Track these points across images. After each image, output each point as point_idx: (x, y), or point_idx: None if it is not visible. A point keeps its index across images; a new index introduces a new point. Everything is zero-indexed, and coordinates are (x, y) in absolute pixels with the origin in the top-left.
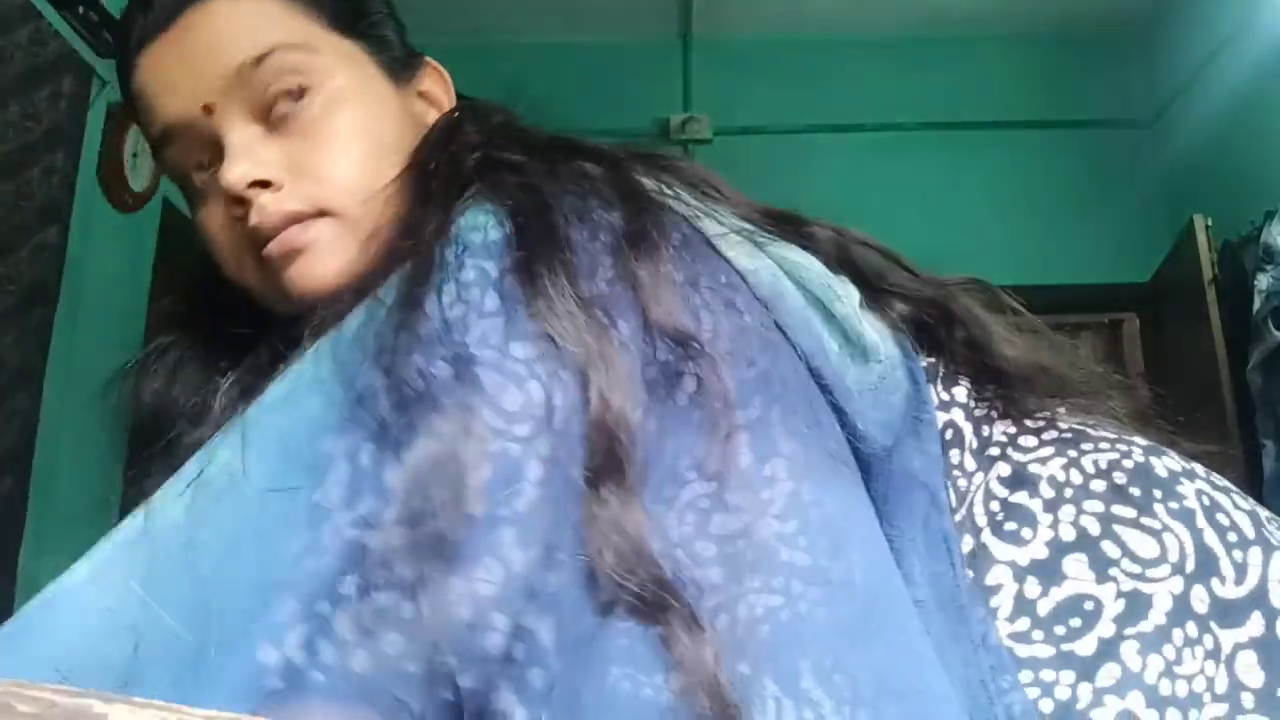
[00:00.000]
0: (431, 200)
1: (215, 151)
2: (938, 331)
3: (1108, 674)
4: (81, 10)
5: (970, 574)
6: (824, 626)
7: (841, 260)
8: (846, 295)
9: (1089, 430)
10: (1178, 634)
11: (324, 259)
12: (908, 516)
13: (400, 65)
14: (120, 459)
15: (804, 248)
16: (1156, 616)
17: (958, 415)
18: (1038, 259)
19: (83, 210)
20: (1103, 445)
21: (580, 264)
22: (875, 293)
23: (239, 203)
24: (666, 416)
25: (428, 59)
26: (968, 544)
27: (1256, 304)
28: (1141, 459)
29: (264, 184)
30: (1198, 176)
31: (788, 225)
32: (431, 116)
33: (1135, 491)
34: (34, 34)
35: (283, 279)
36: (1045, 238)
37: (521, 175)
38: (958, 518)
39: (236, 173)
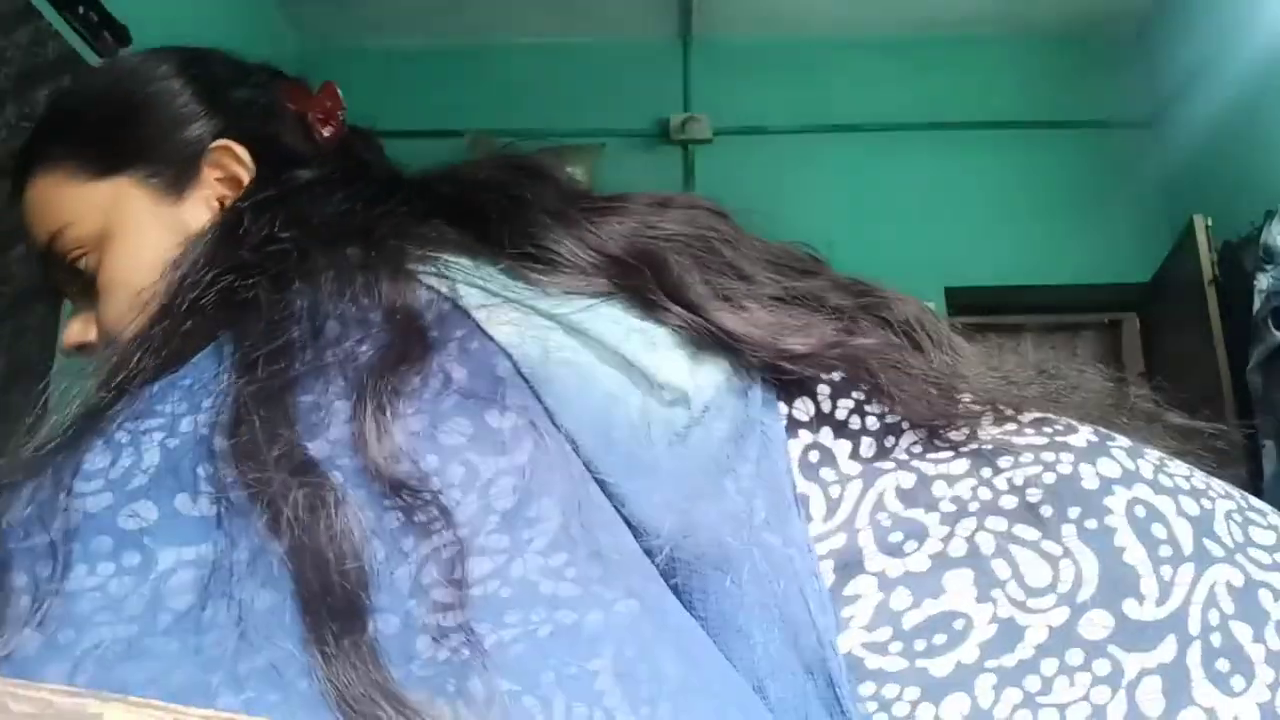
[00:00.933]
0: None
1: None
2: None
3: (954, 706)
4: (81, 10)
5: (828, 582)
6: (604, 631)
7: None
8: (656, 342)
9: (1014, 440)
10: (1049, 663)
11: None
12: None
13: (174, 178)
14: None
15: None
16: (1024, 650)
17: (825, 435)
18: (1038, 259)
19: None
20: (1025, 458)
21: (306, 423)
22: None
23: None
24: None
25: (214, 144)
26: (832, 549)
27: (1256, 304)
28: (1069, 470)
29: (80, 347)
30: (1198, 176)
31: (638, 275)
32: (216, 207)
33: (1046, 511)
34: (34, 34)
35: None
36: (1045, 238)
37: (260, 313)
38: (827, 526)
39: (66, 342)
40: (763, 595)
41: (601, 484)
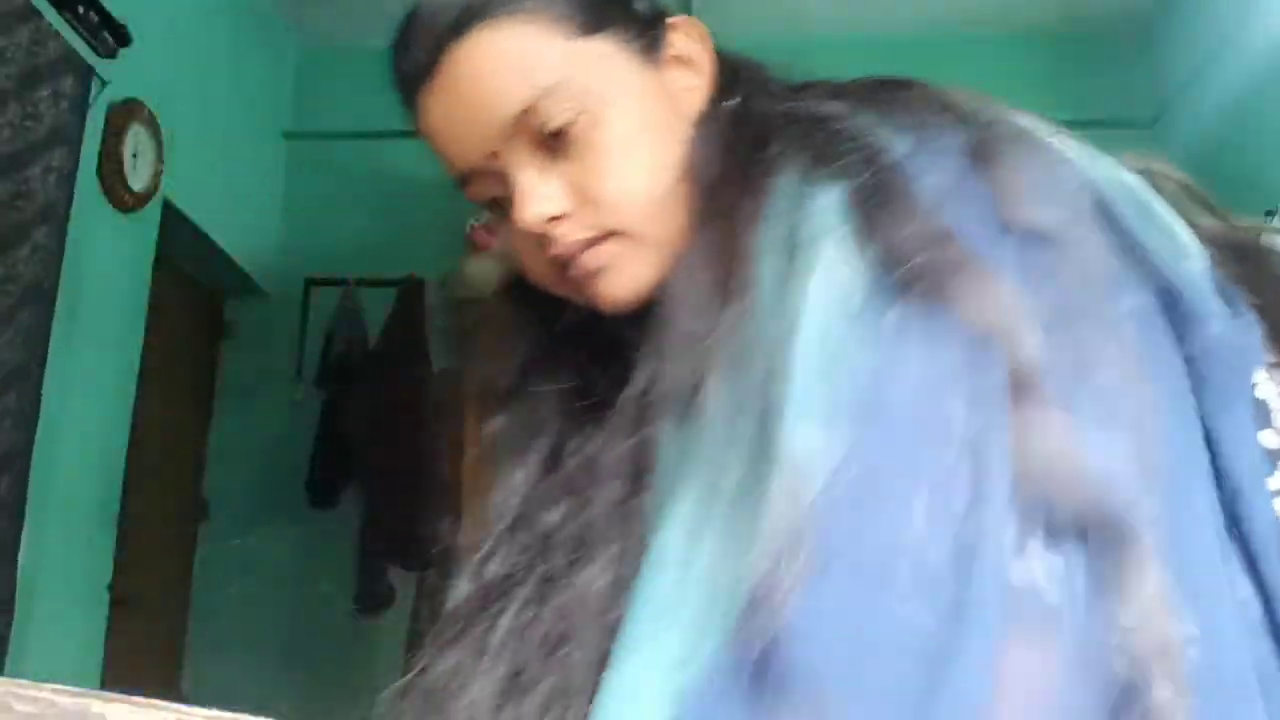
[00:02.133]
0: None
1: (508, 185)
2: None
3: None
4: (81, 10)
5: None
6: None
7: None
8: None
9: None
10: None
11: (619, 277)
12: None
13: (649, 43)
14: (121, 458)
15: None
16: None
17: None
18: None
19: (83, 210)
20: None
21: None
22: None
23: (526, 231)
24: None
25: (669, 19)
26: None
27: None
28: None
29: (554, 218)
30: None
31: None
32: (689, 80)
33: None
34: (34, 34)
35: (589, 297)
36: None
37: (841, 140)
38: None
39: (529, 214)
40: None
41: None
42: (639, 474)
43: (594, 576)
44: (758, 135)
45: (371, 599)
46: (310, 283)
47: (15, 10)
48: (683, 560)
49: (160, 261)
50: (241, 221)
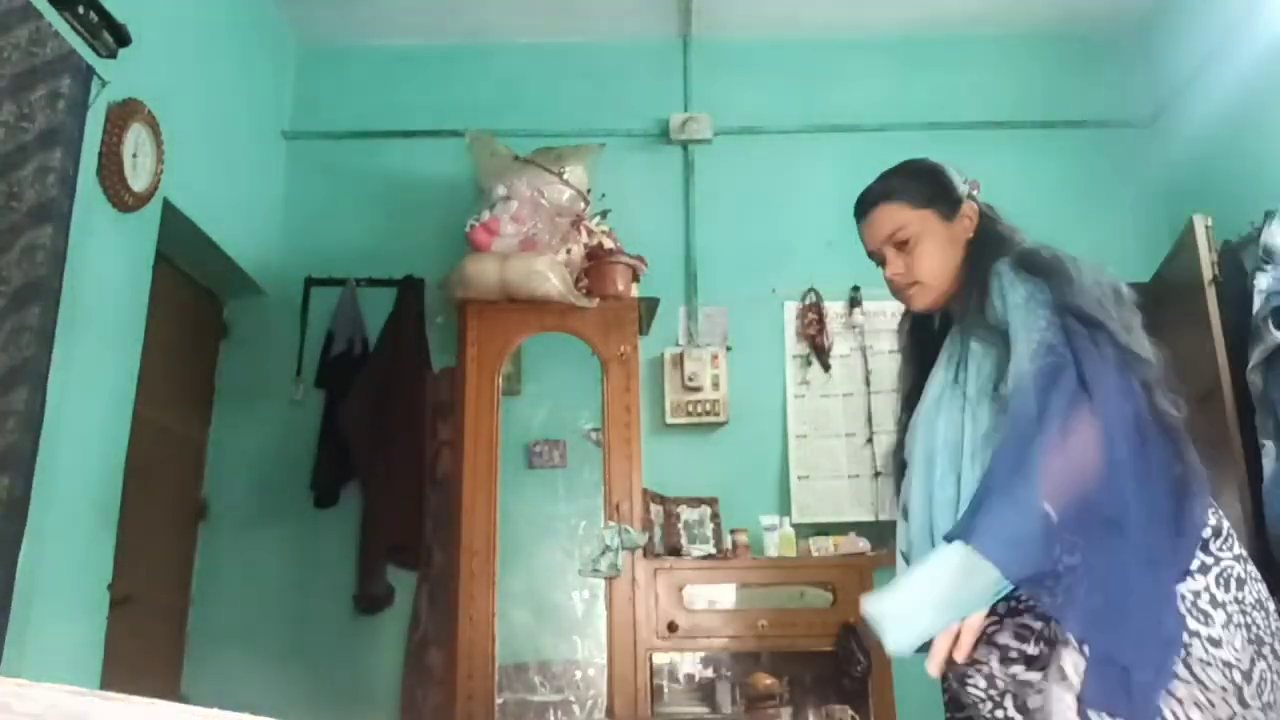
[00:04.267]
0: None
1: (883, 259)
2: None
3: None
4: (81, 10)
5: None
6: None
7: None
8: None
9: None
10: None
11: (917, 299)
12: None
13: (950, 214)
14: (121, 458)
15: None
16: None
17: None
18: None
19: (83, 210)
20: None
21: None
22: None
23: (892, 280)
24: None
25: (965, 204)
26: None
27: (1256, 304)
28: None
29: (898, 274)
30: (1198, 176)
31: None
32: (964, 231)
33: None
34: (34, 34)
35: (905, 301)
36: (1045, 238)
37: (1032, 258)
38: None
39: (891, 271)
40: None
41: None
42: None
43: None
44: (992, 249)
45: (370, 599)
46: (310, 283)
47: (15, 10)
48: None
49: (160, 261)
50: (241, 221)
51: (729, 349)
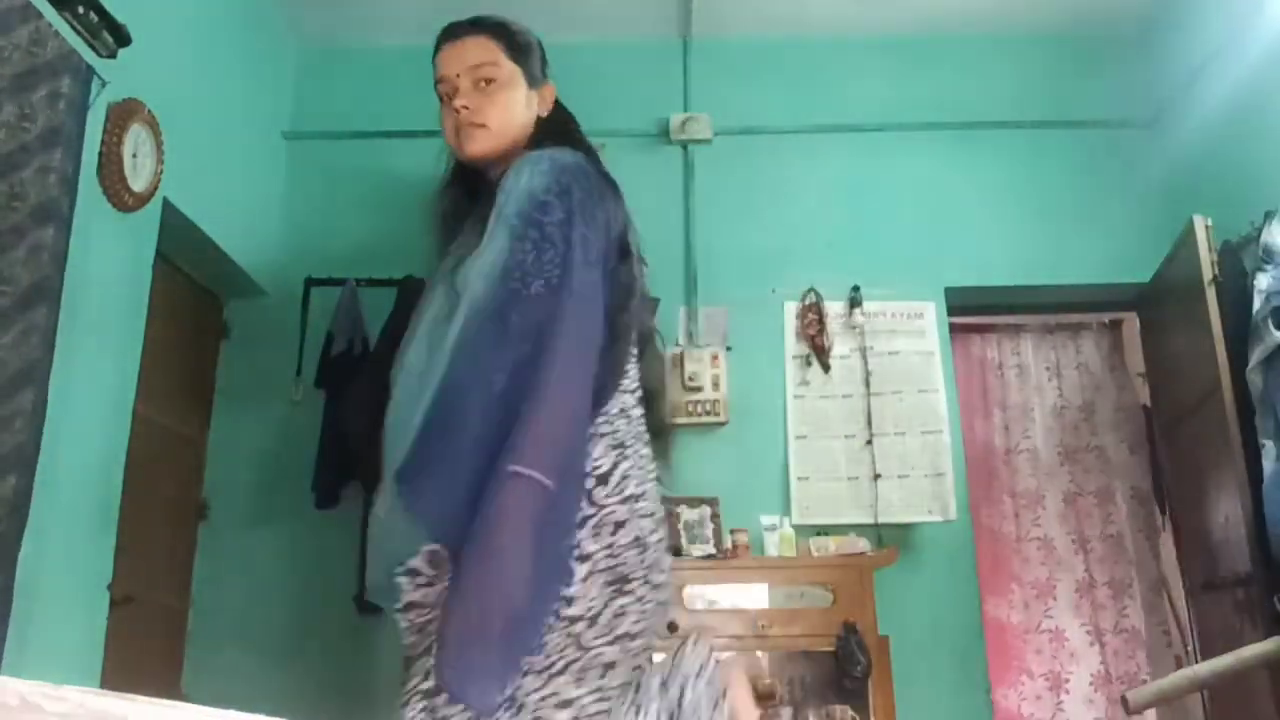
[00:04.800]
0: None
1: (454, 90)
2: None
3: None
4: (81, 10)
5: None
6: None
7: None
8: None
9: None
10: None
11: (475, 142)
12: None
13: (535, 82)
14: (121, 458)
15: None
16: None
17: None
18: (1038, 259)
19: (83, 210)
20: None
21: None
22: None
23: (457, 111)
24: None
25: (548, 84)
26: None
27: (1256, 304)
28: None
29: (465, 108)
30: (1198, 176)
31: None
32: (540, 107)
33: None
34: (34, 34)
35: (459, 142)
36: (1045, 238)
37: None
38: None
39: (462, 102)
40: None
41: None
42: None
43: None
44: (552, 137)
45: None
46: (310, 283)
47: (15, 10)
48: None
49: (160, 261)
50: (241, 221)
51: (729, 349)
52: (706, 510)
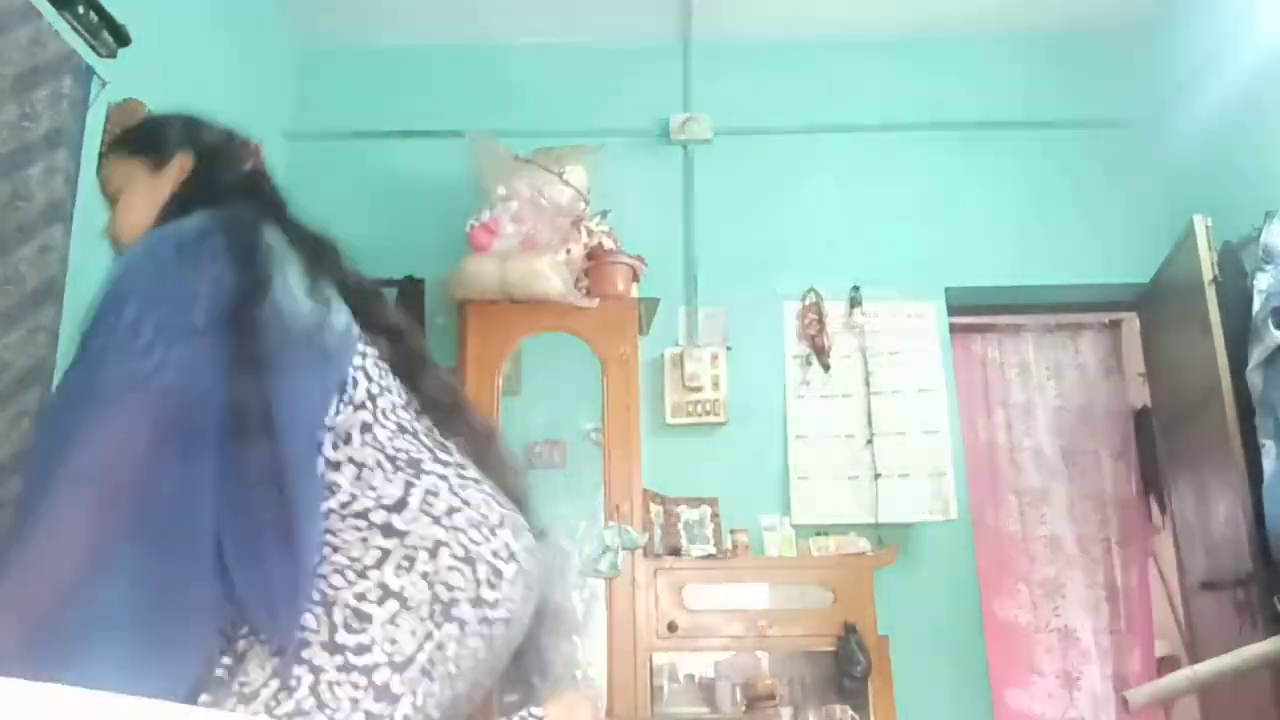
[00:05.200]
0: None
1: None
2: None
3: None
4: (81, 10)
5: None
6: None
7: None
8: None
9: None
10: None
11: (115, 243)
12: None
13: (156, 165)
14: None
15: None
16: None
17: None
18: (1038, 259)
19: (84, 210)
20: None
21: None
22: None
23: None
24: None
25: (178, 154)
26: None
27: (1256, 304)
28: None
29: (108, 230)
30: (1198, 176)
31: None
32: (172, 183)
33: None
34: (34, 34)
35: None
36: (1045, 238)
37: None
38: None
39: (102, 226)
40: None
41: None
42: None
43: None
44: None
45: None
46: None
47: (15, 10)
48: None
49: None
50: None
51: (729, 349)
52: (706, 510)
